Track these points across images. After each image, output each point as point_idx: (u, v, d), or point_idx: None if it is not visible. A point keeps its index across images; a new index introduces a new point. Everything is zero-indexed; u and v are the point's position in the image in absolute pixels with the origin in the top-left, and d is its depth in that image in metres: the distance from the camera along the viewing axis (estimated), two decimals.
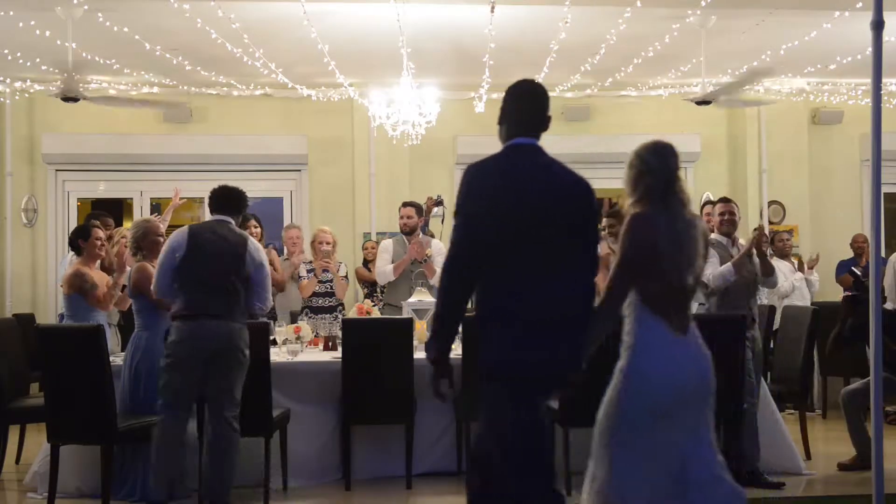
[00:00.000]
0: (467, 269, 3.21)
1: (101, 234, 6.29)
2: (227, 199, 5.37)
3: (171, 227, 13.61)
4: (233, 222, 5.30)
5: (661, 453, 3.48)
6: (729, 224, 6.05)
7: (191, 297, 5.06)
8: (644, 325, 3.52)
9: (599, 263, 3.48)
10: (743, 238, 6.27)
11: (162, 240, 5.62)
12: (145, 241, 5.62)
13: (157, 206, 10.57)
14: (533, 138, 3.37)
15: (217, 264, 5.09)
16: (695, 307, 6.88)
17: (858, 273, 6.31)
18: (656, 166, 3.60)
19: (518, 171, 3.29)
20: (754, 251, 5.98)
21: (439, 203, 8.35)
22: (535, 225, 3.22)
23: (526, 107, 3.41)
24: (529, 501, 3.25)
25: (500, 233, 3.20)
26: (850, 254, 9.50)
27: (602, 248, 8.77)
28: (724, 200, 6.23)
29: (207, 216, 10.28)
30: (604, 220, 8.99)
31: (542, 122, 3.42)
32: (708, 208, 6.57)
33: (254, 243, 5.28)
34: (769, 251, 8.63)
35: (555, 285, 3.24)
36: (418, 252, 7.42)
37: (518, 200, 3.22)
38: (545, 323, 3.22)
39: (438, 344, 3.23)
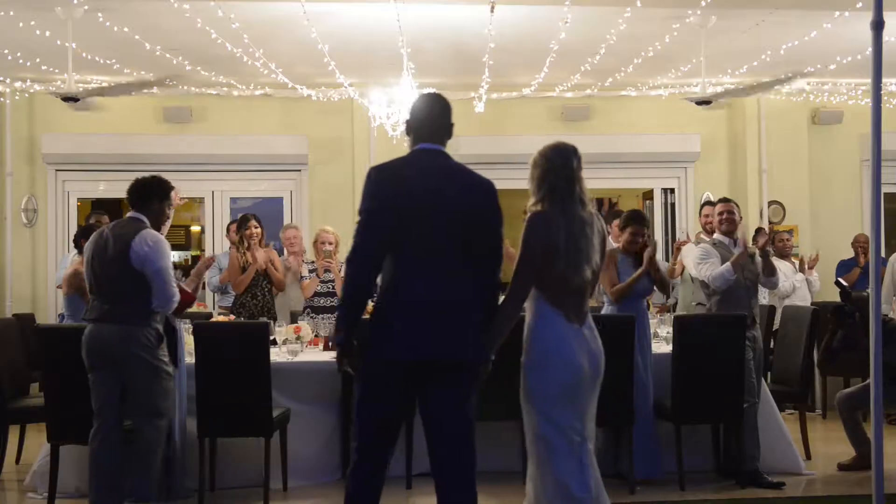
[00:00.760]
0: (367, 260, 3.55)
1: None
2: (132, 194, 5.01)
3: (173, 227, 13.60)
4: (143, 219, 4.92)
5: (572, 433, 3.77)
6: (728, 223, 6.05)
7: (92, 301, 4.94)
8: (542, 316, 3.79)
9: (502, 260, 3.72)
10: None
11: None
12: None
13: None
14: (438, 144, 3.70)
15: (105, 265, 4.86)
16: (694, 307, 6.93)
17: (845, 284, 6.32)
18: (560, 166, 3.83)
19: (419, 173, 3.62)
20: (757, 252, 6.00)
21: None
22: (432, 222, 3.53)
23: (430, 117, 3.73)
24: (365, 469, 3.61)
25: (397, 229, 3.52)
26: (850, 253, 9.50)
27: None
28: (724, 200, 6.24)
29: (207, 216, 10.44)
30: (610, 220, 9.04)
31: (446, 130, 3.74)
32: (708, 209, 6.57)
33: (143, 237, 4.81)
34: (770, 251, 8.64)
35: (447, 279, 3.54)
36: None
37: (417, 199, 3.54)
38: (432, 314, 3.51)
39: (345, 328, 3.56)
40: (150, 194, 4.99)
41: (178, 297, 4.92)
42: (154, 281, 4.79)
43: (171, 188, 5.09)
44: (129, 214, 5.01)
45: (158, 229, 5.02)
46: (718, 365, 5.61)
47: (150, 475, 4.86)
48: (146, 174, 5.18)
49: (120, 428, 4.91)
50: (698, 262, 5.97)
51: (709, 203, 6.47)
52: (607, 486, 5.66)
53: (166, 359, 4.93)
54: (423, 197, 3.55)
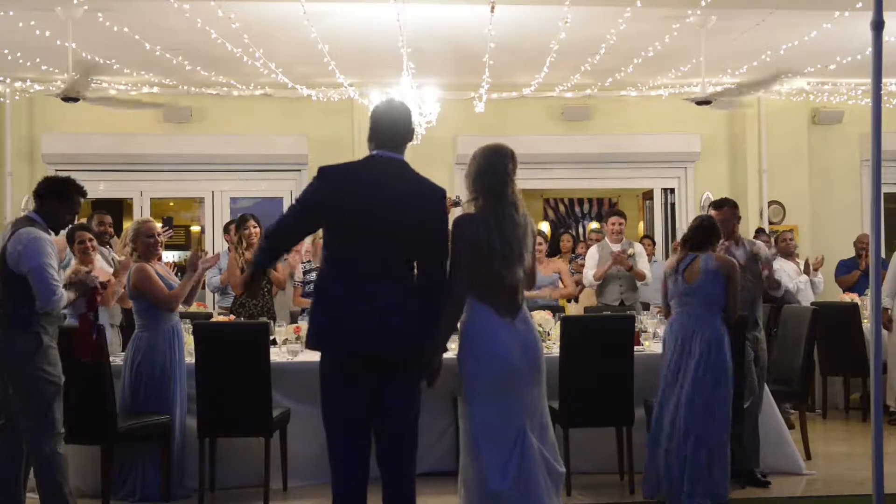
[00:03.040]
0: (289, 237, 3.97)
1: (85, 236, 6.27)
2: (35, 191, 4.71)
3: (172, 227, 13.60)
4: (35, 217, 4.60)
5: (503, 425, 3.86)
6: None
7: None
8: (473, 311, 3.91)
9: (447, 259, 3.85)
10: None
11: (153, 241, 5.55)
12: (137, 242, 5.54)
13: (168, 220, 10.60)
14: (392, 152, 3.83)
15: None
16: None
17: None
18: (494, 167, 4.00)
19: (368, 177, 3.76)
20: (765, 271, 5.98)
21: (457, 204, 8.54)
22: (369, 222, 3.65)
23: (384, 126, 3.86)
24: (342, 470, 3.78)
25: (333, 227, 3.74)
26: (849, 253, 9.50)
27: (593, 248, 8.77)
28: (733, 205, 6.18)
29: (207, 216, 10.45)
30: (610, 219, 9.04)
31: (404, 137, 3.89)
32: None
33: (18, 237, 4.51)
34: (772, 251, 8.63)
35: (374, 278, 3.65)
36: None
37: (358, 202, 3.68)
38: (367, 303, 3.63)
39: (254, 261, 4.16)
40: (49, 193, 4.66)
41: (60, 295, 4.56)
42: (31, 280, 4.47)
43: (75, 191, 4.71)
44: (27, 212, 4.77)
45: (56, 231, 4.78)
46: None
47: (51, 494, 4.53)
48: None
49: (16, 437, 4.65)
50: None
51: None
52: (610, 486, 5.71)
53: (49, 367, 4.56)
54: (365, 200, 3.67)
